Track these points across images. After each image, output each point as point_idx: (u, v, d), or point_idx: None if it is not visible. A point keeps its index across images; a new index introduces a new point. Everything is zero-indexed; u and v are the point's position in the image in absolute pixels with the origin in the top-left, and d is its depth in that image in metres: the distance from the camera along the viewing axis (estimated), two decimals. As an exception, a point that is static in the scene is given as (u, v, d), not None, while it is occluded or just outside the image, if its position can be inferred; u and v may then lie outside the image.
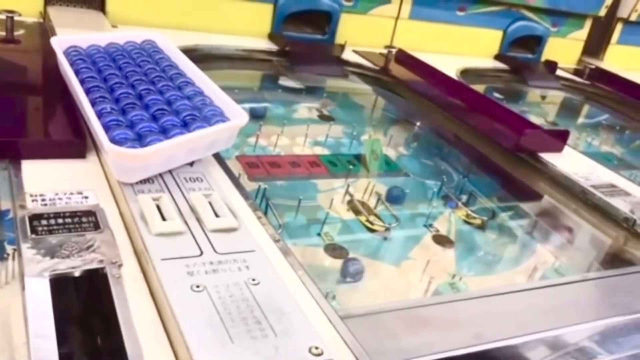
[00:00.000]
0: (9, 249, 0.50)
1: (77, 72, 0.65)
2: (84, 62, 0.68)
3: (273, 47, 1.24)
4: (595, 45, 1.78)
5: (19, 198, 0.51)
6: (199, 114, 0.62)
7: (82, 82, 0.63)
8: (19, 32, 0.89)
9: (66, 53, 0.70)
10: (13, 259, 0.48)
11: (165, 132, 0.58)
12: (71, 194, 0.53)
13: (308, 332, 0.40)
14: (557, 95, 1.58)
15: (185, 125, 0.60)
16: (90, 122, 0.56)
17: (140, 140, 0.56)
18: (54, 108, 0.68)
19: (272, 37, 1.27)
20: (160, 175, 0.57)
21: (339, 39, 1.34)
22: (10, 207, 0.52)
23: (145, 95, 0.64)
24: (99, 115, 0.57)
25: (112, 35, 0.77)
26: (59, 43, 0.71)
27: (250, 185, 0.78)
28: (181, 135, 0.57)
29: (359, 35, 1.36)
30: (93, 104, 0.59)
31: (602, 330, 0.54)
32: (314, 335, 0.40)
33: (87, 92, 0.62)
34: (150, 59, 0.73)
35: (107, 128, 0.55)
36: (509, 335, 0.49)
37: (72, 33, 0.84)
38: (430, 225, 0.82)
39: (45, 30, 0.94)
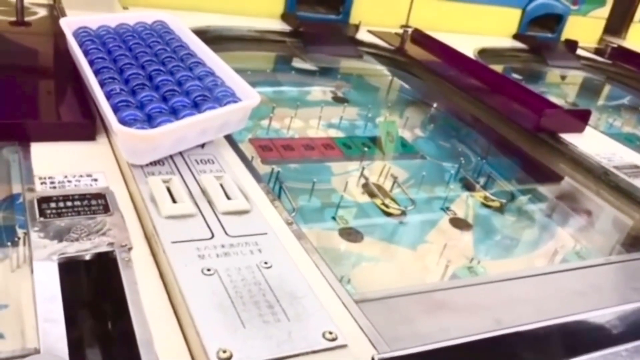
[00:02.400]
0: (20, 232, 0.49)
1: (86, 53, 0.64)
2: (94, 43, 0.67)
3: (286, 27, 1.22)
4: (617, 23, 1.73)
5: (28, 181, 0.50)
6: (210, 95, 0.61)
7: (91, 63, 0.62)
8: (33, 17, 0.88)
9: (75, 34, 0.69)
10: (24, 243, 0.47)
11: (175, 113, 0.56)
12: (80, 176, 0.52)
13: (322, 316, 0.39)
14: (577, 75, 1.54)
15: (196, 106, 0.58)
16: (99, 103, 0.55)
17: (150, 121, 0.55)
18: (64, 90, 0.67)
19: (285, 17, 1.25)
20: (171, 157, 0.56)
21: (354, 18, 1.31)
22: (21, 190, 0.52)
23: (155, 76, 0.63)
24: (108, 96, 0.56)
25: (123, 16, 0.75)
26: (68, 24, 0.70)
27: (263, 169, 0.76)
28: (192, 116, 0.55)
29: (374, 15, 1.33)
30: (102, 84, 0.58)
31: (625, 315, 0.53)
32: (327, 320, 0.39)
33: (97, 73, 0.61)
34: (160, 40, 0.71)
35: (116, 109, 0.54)
36: (529, 321, 0.48)
37: (83, 14, 0.83)
38: (448, 209, 0.80)
39: (56, 12, 0.93)
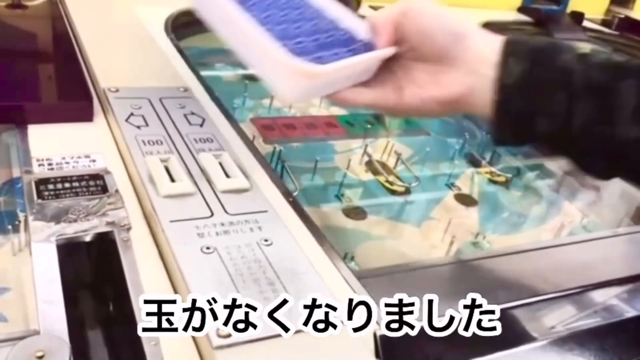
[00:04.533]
0: (21, 216, 0.49)
1: None
2: None
3: (286, 6, 1.20)
4: (625, -7, 1.70)
5: (26, 163, 0.50)
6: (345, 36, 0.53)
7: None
8: (31, 2, 0.87)
9: None
10: (24, 226, 0.47)
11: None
12: (78, 157, 0.51)
13: (322, 293, 0.39)
14: (583, 48, 1.52)
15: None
16: (259, 44, 0.47)
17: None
18: (61, 72, 0.67)
19: (285, -5, 1.24)
20: (169, 135, 0.55)
21: (355, -5, 1.29)
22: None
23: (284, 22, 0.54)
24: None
25: None
26: None
27: (265, 148, 0.76)
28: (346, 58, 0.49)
29: (376, -9, 1.31)
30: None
31: (632, 287, 0.52)
32: (329, 296, 0.39)
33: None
34: None
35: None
36: (535, 293, 0.47)
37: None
38: (453, 185, 0.79)
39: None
